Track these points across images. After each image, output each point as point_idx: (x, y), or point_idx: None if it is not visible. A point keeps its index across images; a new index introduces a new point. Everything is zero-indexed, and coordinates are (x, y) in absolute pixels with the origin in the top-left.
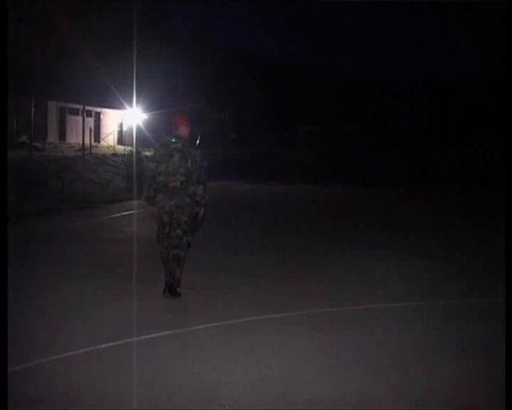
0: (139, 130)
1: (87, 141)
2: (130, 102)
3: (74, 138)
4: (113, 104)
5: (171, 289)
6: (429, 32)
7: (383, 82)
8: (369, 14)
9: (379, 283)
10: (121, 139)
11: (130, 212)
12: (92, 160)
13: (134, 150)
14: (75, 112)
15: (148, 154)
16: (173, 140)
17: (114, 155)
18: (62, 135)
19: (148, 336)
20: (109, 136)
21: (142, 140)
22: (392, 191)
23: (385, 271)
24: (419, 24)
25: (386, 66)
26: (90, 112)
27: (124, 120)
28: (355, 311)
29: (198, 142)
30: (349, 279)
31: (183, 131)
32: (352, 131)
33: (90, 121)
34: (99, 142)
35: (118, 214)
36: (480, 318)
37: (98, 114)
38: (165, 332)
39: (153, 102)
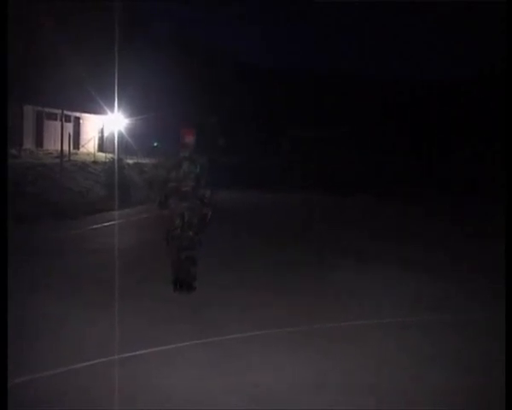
0: (121, 136)
1: (66, 147)
2: (111, 106)
3: (52, 145)
4: (94, 109)
5: (188, 285)
6: (429, 32)
7: (383, 82)
8: (369, 14)
9: (366, 297)
10: (102, 146)
11: (112, 222)
12: (71, 167)
13: (116, 158)
14: (53, 117)
15: (130, 161)
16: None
17: (95, 162)
18: (39, 141)
19: (133, 354)
20: (89, 142)
21: (125, 147)
22: (394, 198)
23: (374, 284)
24: (419, 24)
25: (386, 66)
26: (69, 117)
27: (105, 126)
28: (341, 328)
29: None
30: (336, 295)
31: (190, 140)
32: (349, 132)
33: (69, 127)
34: (78, 148)
35: (99, 225)
36: (481, 333)
37: (78, 119)
38: (150, 349)
39: (135, 108)
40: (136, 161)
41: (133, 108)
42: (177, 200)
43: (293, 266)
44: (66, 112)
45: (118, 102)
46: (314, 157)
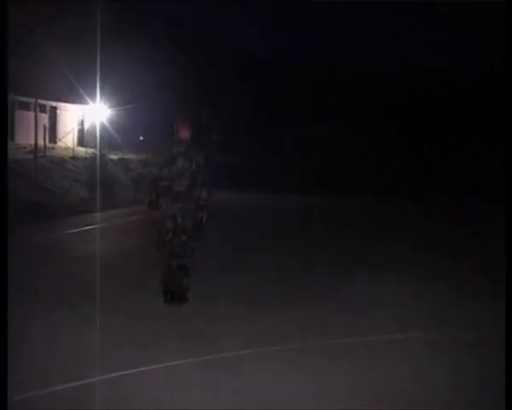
0: (104, 129)
1: (41, 141)
2: (92, 95)
3: (25, 138)
4: (73, 98)
5: (180, 296)
6: (429, 32)
7: (383, 82)
8: (369, 14)
9: (370, 310)
10: (82, 140)
11: (94, 226)
12: (47, 164)
13: (98, 153)
14: (26, 106)
15: (114, 157)
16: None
17: (74, 158)
18: (10, 134)
19: (124, 373)
20: (68, 135)
21: (108, 141)
22: (394, 199)
23: (381, 296)
24: (419, 24)
25: (386, 66)
26: (45, 106)
27: (85, 117)
28: (337, 344)
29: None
30: (338, 306)
31: (185, 134)
32: (349, 132)
33: (45, 118)
34: (55, 142)
35: (79, 229)
36: (481, 351)
37: (54, 109)
38: (142, 368)
39: (120, 97)
40: (120, 156)
41: (117, 97)
42: (169, 200)
43: (292, 269)
44: (40, 101)
45: (100, 91)
46: (314, 157)
